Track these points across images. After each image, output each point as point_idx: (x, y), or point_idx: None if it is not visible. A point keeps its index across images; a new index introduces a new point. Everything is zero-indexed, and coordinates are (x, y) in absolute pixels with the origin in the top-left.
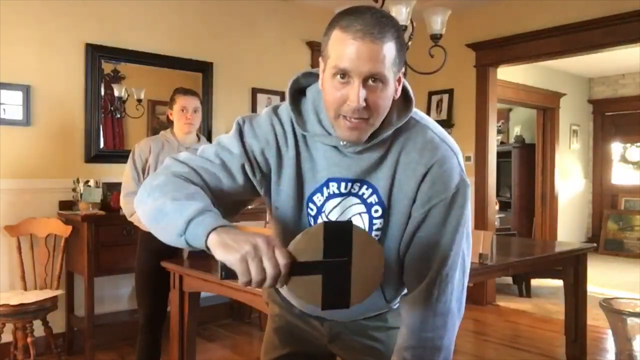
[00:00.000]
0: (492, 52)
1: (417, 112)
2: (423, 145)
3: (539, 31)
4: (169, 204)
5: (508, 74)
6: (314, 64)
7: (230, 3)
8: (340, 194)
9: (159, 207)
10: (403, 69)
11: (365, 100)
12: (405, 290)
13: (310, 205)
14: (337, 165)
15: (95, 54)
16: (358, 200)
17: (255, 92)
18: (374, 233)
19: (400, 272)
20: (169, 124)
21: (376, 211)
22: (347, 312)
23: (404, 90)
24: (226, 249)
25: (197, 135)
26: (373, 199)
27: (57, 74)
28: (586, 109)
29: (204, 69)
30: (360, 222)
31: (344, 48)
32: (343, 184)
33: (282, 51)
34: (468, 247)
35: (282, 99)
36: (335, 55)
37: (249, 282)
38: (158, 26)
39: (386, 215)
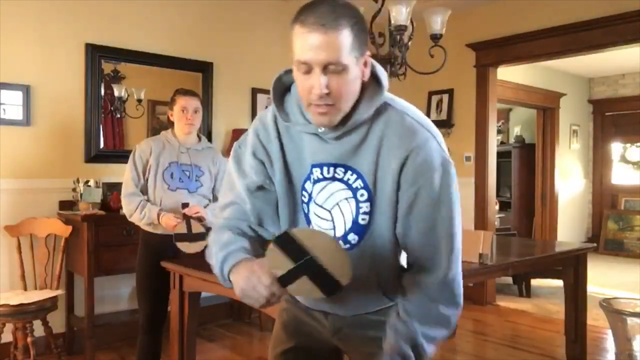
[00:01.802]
0: (492, 52)
1: (394, 98)
2: (402, 130)
3: (539, 31)
4: (214, 255)
5: (508, 74)
6: None
7: (230, 3)
8: (324, 179)
9: (210, 255)
10: (369, 52)
11: (329, 86)
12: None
13: (304, 192)
14: (319, 151)
15: (95, 54)
16: (344, 186)
17: (255, 92)
18: (361, 217)
19: (394, 256)
20: (170, 124)
21: (362, 195)
22: (348, 306)
23: (376, 74)
24: (235, 290)
25: (198, 135)
26: (358, 183)
27: (57, 74)
28: (586, 109)
29: (204, 69)
30: (348, 207)
31: (302, 41)
32: (325, 169)
33: (282, 51)
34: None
35: None
36: (297, 49)
37: (261, 305)
38: (158, 26)
39: (373, 199)
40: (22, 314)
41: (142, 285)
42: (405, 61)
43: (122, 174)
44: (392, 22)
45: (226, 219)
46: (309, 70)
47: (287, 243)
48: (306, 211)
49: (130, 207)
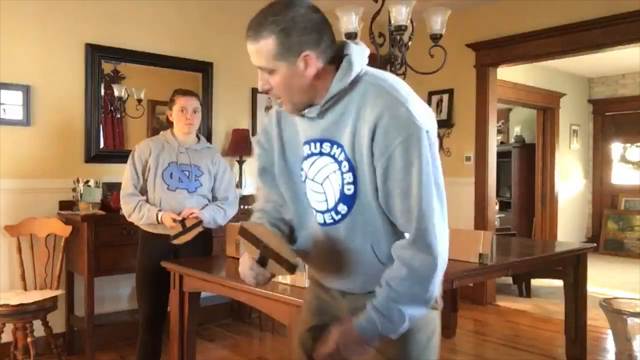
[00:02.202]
0: (492, 52)
1: (371, 71)
2: (374, 97)
3: (539, 31)
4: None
5: (508, 74)
6: None
7: (230, 3)
8: (313, 154)
9: None
10: (307, 52)
11: (269, 84)
12: None
13: (301, 172)
14: (308, 129)
15: (95, 54)
16: (331, 160)
17: (255, 92)
18: (346, 187)
19: (385, 226)
20: (169, 124)
21: (344, 166)
22: (356, 281)
23: (345, 58)
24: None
25: (197, 135)
26: (342, 156)
27: (57, 74)
28: (586, 109)
29: (204, 69)
30: (335, 178)
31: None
32: (313, 144)
33: None
34: (439, 193)
35: None
36: None
37: (256, 284)
38: (158, 26)
39: (354, 169)
40: (22, 314)
41: (141, 285)
42: (405, 61)
43: (122, 174)
44: (392, 22)
45: (257, 203)
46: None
47: (246, 234)
48: (304, 190)
49: (129, 207)
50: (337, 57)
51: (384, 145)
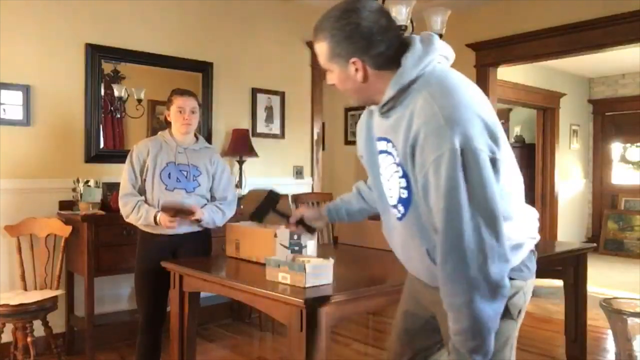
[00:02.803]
0: (492, 52)
1: (428, 73)
2: (419, 108)
3: (539, 31)
4: None
5: (508, 74)
6: (314, 64)
7: (230, 3)
8: (382, 151)
9: None
10: (355, 58)
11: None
12: None
13: (379, 164)
14: (379, 126)
15: (95, 54)
16: (392, 160)
17: (255, 92)
18: (400, 191)
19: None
20: (167, 124)
21: (399, 170)
22: (419, 273)
23: (402, 64)
24: None
25: (195, 135)
26: (398, 159)
27: (57, 74)
28: (586, 109)
29: (204, 69)
30: (394, 179)
31: None
32: (382, 142)
33: (282, 51)
34: (475, 210)
35: (282, 99)
36: None
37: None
38: (158, 26)
39: (407, 176)
40: (22, 314)
41: (140, 286)
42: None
43: (122, 174)
44: None
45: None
46: None
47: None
48: (382, 183)
49: (127, 208)
50: (397, 61)
51: (421, 163)
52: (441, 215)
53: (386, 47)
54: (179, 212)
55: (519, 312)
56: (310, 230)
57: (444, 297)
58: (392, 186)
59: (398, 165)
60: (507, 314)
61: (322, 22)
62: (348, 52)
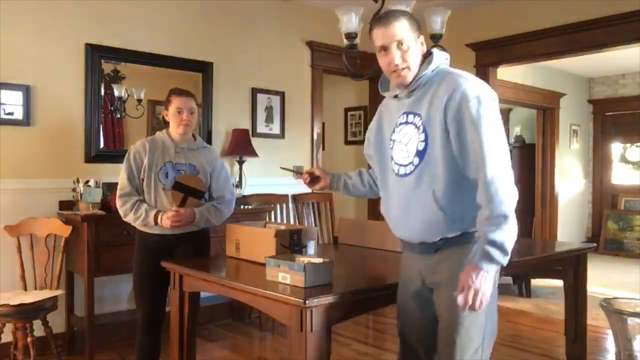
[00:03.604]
0: (492, 52)
1: (451, 69)
2: (449, 82)
3: (539, 31)
4: None
5: (508, 74)
6: (314, 64)
7: (230, 3)
8: (401, 123)
9: None
10: (421, 36)
11: (402, 57)
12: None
13: (390, 142)
14: (400, 107)
15: (95, 54)
16: (413, 126)
17: (255, 92)
18: (419, 144)
19: (445, 177)
20: (165, 124)
21: (420, 129)
22: (413, 226)
23: (430, 55)
24: None
25: (193, 135)
26: (419, 122)
27: (57, 74)
28: (586, 109)
29: (204, 69)
30: (414, 139)
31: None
32: (403, 116)
33: (282, 51)
34: (503, 142)
35: (282, 99)
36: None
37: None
38: (158, 26)
39: (426, 130)
40: (22, 314)
41: (139, 286)
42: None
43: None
44: None
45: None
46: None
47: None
48: (392, 154)
49: (126, 208)
50: (427, 53)
51: (456, 110)
52: (483, 143)
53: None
54: (189, 194)
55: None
56: (313, 180)
57: (487, 211)
58: (410, 146)
59: (419, 127)
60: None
61: (391, 11)
62: (418, 29)
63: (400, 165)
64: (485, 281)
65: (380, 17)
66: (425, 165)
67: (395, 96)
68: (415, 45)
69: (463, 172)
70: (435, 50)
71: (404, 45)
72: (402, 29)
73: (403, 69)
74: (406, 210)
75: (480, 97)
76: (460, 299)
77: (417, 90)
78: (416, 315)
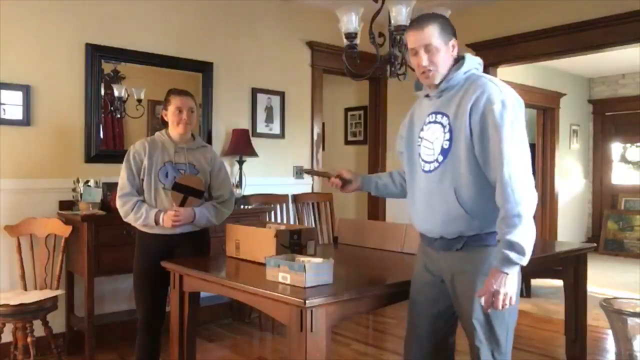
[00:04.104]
0: (492, 52)
1: (483, 74)
2: (477, 86)
3: (539, 31)
4: None
5: (508, 74)
6: (314, 64)
7: (230, 3)
8: (430, 122)
9: None
10: (454, 40)
11: (430, 60)
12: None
13: (418, 138)
14: (430, 106)
15: (95, 54)
16: (440, 125)
17: (255, 92)
18: (444, 142)
19: (467, 175)
20: (163, 124)
21: (446, 129)
22: (435, 223)
23: (462, 59)
24: None
25: (192, 135)
26: (445, 122)
27: (57, 74)
28: (586, 109)
29: (204, 69)
30: (440, 137)
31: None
32: (432, 115)
33: (282, 51)
34: (524, 147)
35: (282, 99)
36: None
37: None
38: (158, 26)
39: (452, 129)
40: (22, 314)
41: (139, 286)
42: (405, 61)
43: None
44: (392, 22)
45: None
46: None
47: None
48: (419, 151)
49: (126, 208)
50: (460, 57)
51: (481, 112)
52: (503, 146)
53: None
54: (188, 194)
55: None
56: (345, 183)
57: (503, 211)
58: (436, 144)
59: (446, 126)
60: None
61: (423, 16)
62: (450, 34)
63: (426, 162)
64: (506, 283)
65: (414, 21)
66: (449, 163)
67: (427, 95)
68: (445, 49)
69: (485, 174)
70: (467, 55)
71: (432, 49)
72: (431, 33)
73: (430, 70)
74: (429, 204)
75: (505, 101)
76: (483, 301)
77: (447, 92)
78: (429, 308)
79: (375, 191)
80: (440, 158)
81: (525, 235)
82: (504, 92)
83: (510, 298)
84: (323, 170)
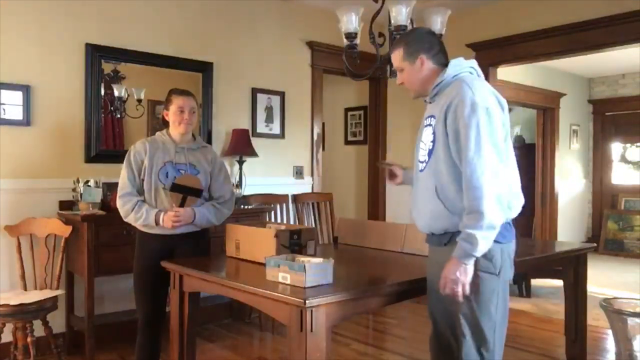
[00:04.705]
0: (492, 52)
1: (466, 77)
2: (456, 89)
3: (539, 31)
4: None
5: (508, 74)
6: (314, 64)
7: (230, 3)
8: (426, 125)
9: None
10: (422, 55)
11: (402, 79)
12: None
13: (420, 141)
14: (427, 110)
15: (95, 54)
16: (430, 128)
17: (255, 92)
18: (429, 143)
19: (447, 174)
20: (164, 124)
21: (432, 130)
22: (421, 215)
23: (445, 65)
24: None
25: (193, 135)
26: (433, 123)
27: (57, 74)
28: (586, 109)
29: (204, 69)
30: (429, 138)
31: None
32: (428, 119)
33: (282, 51)
34: (490, 147)
35: (282, 99)
36: None
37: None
38: (158, 26)
39: (435, 132)
40: (22, 314)
41: (139, 286)
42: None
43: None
44: (392, 22)
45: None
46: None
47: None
48: (417, 153)
49: (126, 208)
50: (444, 64)
51: (455, 116)
52: (469, 146)
53: (441, 51)
54: (187, 193)
55: (500, 270)
56: (392, 176)
57: (466, 208)
58: (427, 144)
59: (433, 127)
60: (490, 269)
61: (398, 39)
62: (417, 51)
63: (420, 162)
64: (461, 272)
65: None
66: (432, 163)
67: (426, 101)
68: (410, 68)
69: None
70: (452, 61)
71: (401, 70)
72: (397, 57)
73: (407, 86)
74: (421, 201)
75: (475, 104)
76: (440, 286)
77: (437, 96)
78: (439, 299)
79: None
80: (427, 158)
81: (480, 230)
82: (477, 95)
83: (463, 285)
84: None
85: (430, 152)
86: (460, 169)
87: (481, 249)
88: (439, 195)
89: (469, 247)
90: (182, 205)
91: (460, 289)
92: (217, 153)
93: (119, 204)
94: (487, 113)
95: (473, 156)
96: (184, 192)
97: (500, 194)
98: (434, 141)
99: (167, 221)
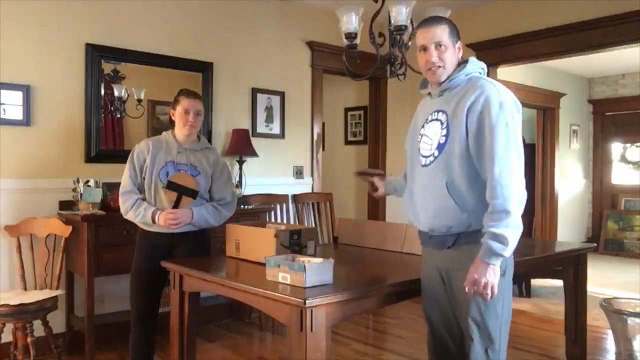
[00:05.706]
0: (492, 52)
1: (484, 77)
2: (477, 87)
3: (539, 31)
4: None
5: (508, 74)
6: (314, 64)
7: (230, 3)
8: (431, 120)
9: None
10: (459, 43)
11: (439, 57)
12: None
13: (419, 135)
14: (432, 105)
15: (95, 54)
16: (439, 122)
17: (255, 92)
18: (441, 137)
19: (460, 170)
20: (171, 123)
21: (443, 125)
22: (427, 213)
23: (465, 62)
24: None
25: (198, 136)
26: (444, 118)
27: (57, 74)
28: (586, 109)
29: (204, 69)
30: (437, 133)
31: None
32: (433, 113)
33: (282, 51)
34: (517, 149)
35: (282, 99)
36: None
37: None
38: (158, 26)
39: (448, 128)
40: (22, 314)
41: (135, 283)
42: (405, 61)
43: (122, 174)
44: (392, 22)
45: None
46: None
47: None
48: (419, 146)
49: (126, 205)
50: (464, 61)
51: (479, 112)
52: (496, 145)
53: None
54: (182, 193)
55: (505, 271)
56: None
57: (491, 207)
58: (434, 139)
59: (444, 122)
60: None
61: (439, 16)
62: (457, 36)
63: (424, 156)
64: (490, 273)
65: (425, 20)
66: (443, 157)
67: (429, 94)
68: (453, 49)
69: (477, 171)
70: (471, 59)
71: (441, 47)
72: (442, 32)
73: (439, 67)
74: (424, 197)
75: (503, 103)
76: (467, 289)
77: (448, 91)
78: (435, 302)
79: (395, 193)
80: (436, 153)
81: (510, 228)
82: (502, 95)
83: (493, 287)
84: (373, 170)
85: (440, 147)
86: (477, 166)
87: (511, 248)
88: (450, 190)
89: (500, 247)
90: (176, 203)
91: (489, 291)
92: (220, 155)
93: (120, 201)
94: (513, 114)
95: (503, 155)
96: (179, 191)
97: (523, 197)
98: (446, 136)
99: (163, 220)
